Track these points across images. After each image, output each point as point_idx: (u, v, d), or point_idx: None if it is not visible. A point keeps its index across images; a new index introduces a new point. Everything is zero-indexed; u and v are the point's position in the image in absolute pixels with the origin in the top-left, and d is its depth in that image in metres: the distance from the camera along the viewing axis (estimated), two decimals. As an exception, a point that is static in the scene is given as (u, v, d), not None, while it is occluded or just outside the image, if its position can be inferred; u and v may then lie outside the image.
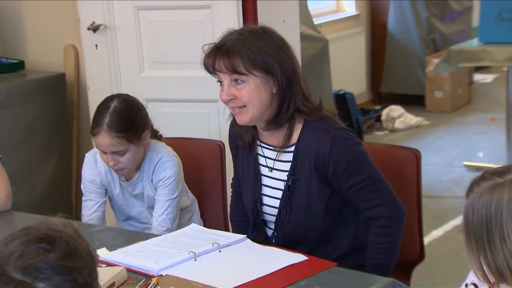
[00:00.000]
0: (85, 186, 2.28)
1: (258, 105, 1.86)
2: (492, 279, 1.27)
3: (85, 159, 2.28)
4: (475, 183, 1.30)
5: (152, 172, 2.21)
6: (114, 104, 2.12)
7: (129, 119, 2.12)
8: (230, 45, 1.84)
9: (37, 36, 3.57)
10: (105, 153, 2.14)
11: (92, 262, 0.99)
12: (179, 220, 2.26)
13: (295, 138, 1.92)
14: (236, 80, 1.86)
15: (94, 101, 3.25)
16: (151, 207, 2.25)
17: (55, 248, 0.95)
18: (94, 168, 2.25)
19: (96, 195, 2.26)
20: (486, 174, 1.30)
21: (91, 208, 2.25)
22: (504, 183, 1.26)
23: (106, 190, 2.28)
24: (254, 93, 1.85)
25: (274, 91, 1.87)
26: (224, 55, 1.84)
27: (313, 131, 1.89)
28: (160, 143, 2.26)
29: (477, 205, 1.26)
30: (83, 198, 2.29)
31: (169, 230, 2.17)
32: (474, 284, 1.42)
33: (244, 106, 1.87)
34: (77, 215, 3.52)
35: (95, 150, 2.26)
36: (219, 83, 1.90)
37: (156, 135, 2.29)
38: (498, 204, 1.24)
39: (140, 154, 2.19)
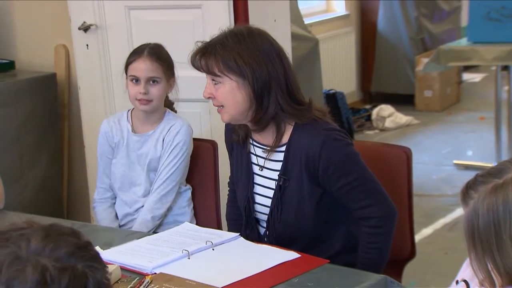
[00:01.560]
0: (98, 152, 2.42)
1: (234, 107, 1.90)
2: (499, 282, 1.27)
3: (100, 129, 2.43)
4: (470, 188, 1.29)
5: (167, 132, 2.33)
6: (153, 44, 2.36)
7: (166, 55, 2.36)
8: (210, 46, 1.89)
9: (27, 36, 3.56)
10: (137, 84, 2.28)
11: None
12: (175, 204, 2.36)
13: (286, 138, 1.93)
14: (214, 80, 1.90)
15: (85, 101, 3.26)
16: (149, 171, 2.33)
17: (67, 232, 1.00)
18: (106, 127, 2.40)
19: (106, 162, 2.40)
20: (481, 178, 1.29)
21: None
22: (506, 183, 1.26)
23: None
24: (228, 95, 1.89)
25: (252, 94, 1.89)
26: (202, 56, 1.89)
27: (304, 131, 1.90)
28: (178, 115, 2.43)
29: (481, 210, 1.26)
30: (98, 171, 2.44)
31: (168, 185, 2.30)
32: (465, 281, 1.43)
33: (223, 106, 1.91)
34: (69, 215, 3.54)
35: (107, 119, 2.47)
36: None
37: (171, 108, 2.45)
38: (505, 204, 1.24)
39: (164, 98, 2.35)
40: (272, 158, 1.96)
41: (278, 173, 1.95)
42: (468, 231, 1.29)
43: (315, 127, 1.89)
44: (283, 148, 1.94)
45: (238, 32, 1.91)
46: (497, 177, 1.27)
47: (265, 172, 1.99)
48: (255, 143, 2.00)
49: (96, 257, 0.99)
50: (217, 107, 1.94)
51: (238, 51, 1.86)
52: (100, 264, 0.99)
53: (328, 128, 1.90)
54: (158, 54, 2.31)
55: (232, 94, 1.88)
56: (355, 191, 1.88)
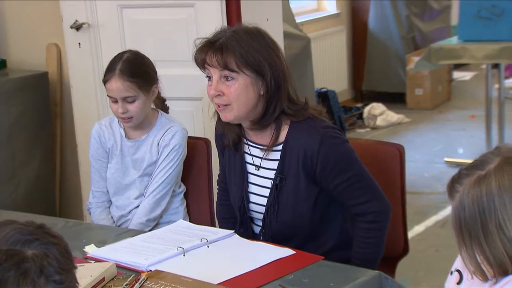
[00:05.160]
0: (92, 156, 2.39)
1: (244, 105, 1.87)
2: (490, 274, 1.29)
3: (91, 133, 2.40)
4: (455, 182, 1.31)
5: (161, 136, 2.30)
6: (127, 55, 2.29)
7: (140, 68, 2.28)
8: (224, 41, 1.85)
9: (19, 34, 3.55)
10: (115, 102, 2.24)
11: None
12: (170, 205, 2.34)
13: (282, 137, 1.93)
14: (226, 77, 1.86)
15: (77, 99, 3.26)
16: (144, 176, 2.32)
17: (20, 222, 1.11)
18: (99, 131, 2.37)
19: (101, 166, 2.37)
20: (464, 171, 1.31)
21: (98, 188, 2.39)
22: (488, 174, 1.28)
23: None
24: (242, 91, 1.86)
25: (262, 92, 1.88)
26: (217, 51, 1.84)
27: (301, 130, 1.90)
28: (173, 118, 2.39)
29: (467, 202, 1.27)
30: (92, 176, 2.40)
31: (163, 189, 2.28)
32: (458, 271, 1.45)
33: (229, 104, 1.87)
34: (61, 213, 3.53)
35: (99, 122, 2.42)
36: (208, 78, 1.91)
37: (164, 108, 2.41)
38: (489, 194, 1.26)
39: (147, 108, 2.31)
40: (268, 157, 1.96)
41: (274, 172, 1.95)
42: (455, 224, 1.31)
43: (312, 125, 1.90)
44: (280, 147, 1.93)
45: (248, 30, 1.89)
46: (480, 169, 1.30)
47: (261, 172, 1.98)
48: (250, 143, 2.00)
49: (51, 245, 1.07)
50: (219, 105, 1.88)
51: (255, 47, 1.85)
52: (55, 253, 1.07)
53: (325, 126, 1.91)
54: (130, 71, 2.23)
55: (246, 90, 1.85)
56: (353, 187, 1.89)
